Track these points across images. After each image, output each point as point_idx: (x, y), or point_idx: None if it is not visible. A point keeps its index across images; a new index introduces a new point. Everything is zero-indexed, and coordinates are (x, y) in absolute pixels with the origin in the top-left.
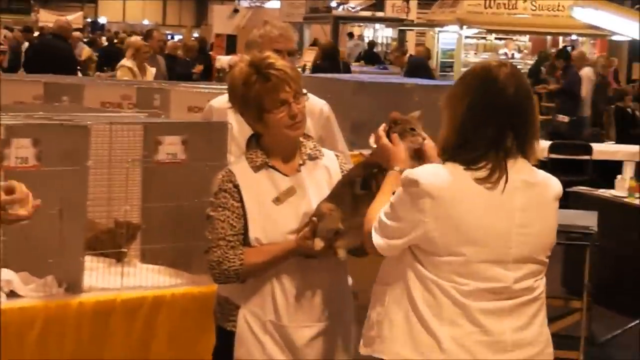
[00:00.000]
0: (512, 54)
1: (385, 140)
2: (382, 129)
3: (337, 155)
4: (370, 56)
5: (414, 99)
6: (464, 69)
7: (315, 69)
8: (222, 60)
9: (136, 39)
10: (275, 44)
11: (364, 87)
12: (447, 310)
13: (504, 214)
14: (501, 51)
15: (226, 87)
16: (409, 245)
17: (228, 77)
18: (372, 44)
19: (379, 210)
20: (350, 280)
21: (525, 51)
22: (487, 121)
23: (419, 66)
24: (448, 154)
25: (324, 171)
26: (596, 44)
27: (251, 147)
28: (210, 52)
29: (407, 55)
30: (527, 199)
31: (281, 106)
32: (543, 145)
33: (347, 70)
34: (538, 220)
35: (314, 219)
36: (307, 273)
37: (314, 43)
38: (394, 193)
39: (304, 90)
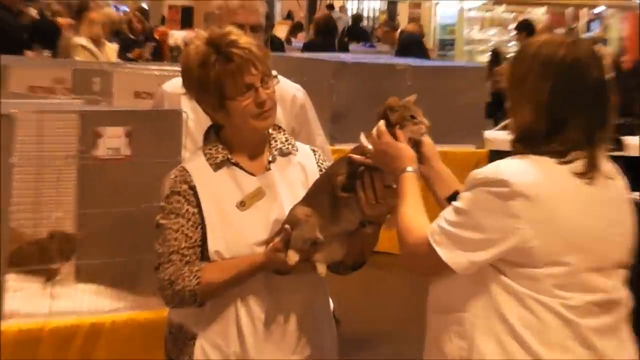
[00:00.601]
0: None
1: (388, 137)
2: (382, 123)
3: (314, 151)
4: (354, 32)
5: (406, 83)
6: (467, 48)
7: (308, 45)
8: (176, 36)
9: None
10: (236, 16)
11: (346, 68)
12: (555, 332)
13: (601, 212)
14: (511, 26)
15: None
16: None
17: (182, 57)
18: (357, 17)
19: (419, 217)
20: (331, 303)
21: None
22: (578, 106)
23: (412, 44)
24: (530, 145)
25: (299, 169)
26: (627, 17)
27: (210, 141)
28: (161, 27)
29: (399, 31)
30: (616, 195)
31: (246, 92)
32: None
33: (345, 48)
34: (626, 218)
35: (287, 226)
36: (279, 294)
37: (288, 16)
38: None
39: (274, 72)
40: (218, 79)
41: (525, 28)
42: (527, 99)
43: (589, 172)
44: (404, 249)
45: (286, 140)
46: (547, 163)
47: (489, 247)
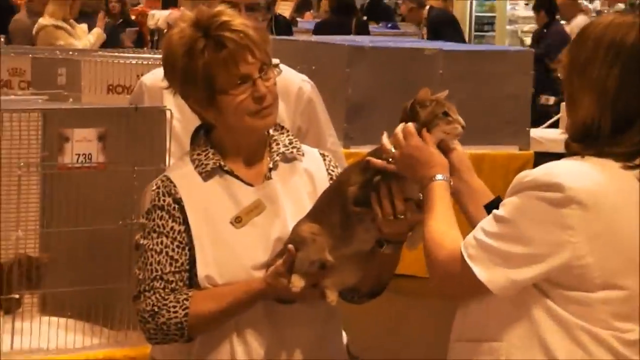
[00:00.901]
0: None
1: (417, 139)
2: (411, 125)
3: (323, 155)
4: (375, 10)
5: (436, 72)
6: (509, 28)
7: (320, 26)
8: (157, 16)
9: None
10: None
11: (363, 54)
12: None
13: None
14: None
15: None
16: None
17: (163, 42)
18: None
19: (451, 231)
20: (345, 338)
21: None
22: None
23: (443, 23)
24: (590, 145)
25: (305, 178)
26: None
27: (199, 145)
28: (139, 6)
29: (427, 8)
30: None
31: (241, 84)
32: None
33: (364, 30)
34: None
35: (290, 246)
36: (282, 327)
37: None
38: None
39: (275, 61)
40: (207, 70)
41: (543, 4)
42: (588, 90)
43: None
44: (433, 268)
45: (290, 143)
46: (609, 167)
47: (534, 264)
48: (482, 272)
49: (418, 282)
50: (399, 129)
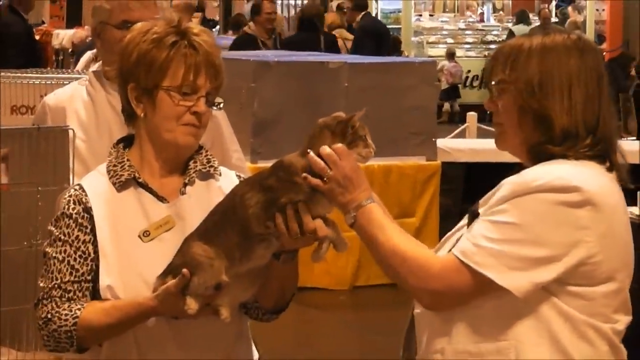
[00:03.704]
0: (481, 14)
1: (353, 161)
2: (343, 146)
3: (239, 177)
4: (234, 24)
5: (342, 85)
6: (414, 39)
7: (288, 42)
8: (62, 36)
9: None
10: (130, 12)
11: (269, 68)
12: None
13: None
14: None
15: (68, 76)
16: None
17: (128, 34)
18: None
19: (417, 246)
20: (255, 354)
21: (502, 12)
22: (611, 105)
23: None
24: (573, 138)
25: (219, 197)
26: (606, 2)
27: (116, 156)
28: (43, 26)
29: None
30: None
31: (188, 94)
32: None
33: (333, 46)
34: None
35: (185, 270)
36: (188, 347)
37: (199, 8)
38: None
39: (219, 100)
40: (168, 61)
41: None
42: (555, 104)
43: (622, 181)
44: (427, 283)
45: (208, 162)
46: (598, 169)
47: (553, 265)
48: (500, 278)
49: (328, 295)
50: (328, 149)
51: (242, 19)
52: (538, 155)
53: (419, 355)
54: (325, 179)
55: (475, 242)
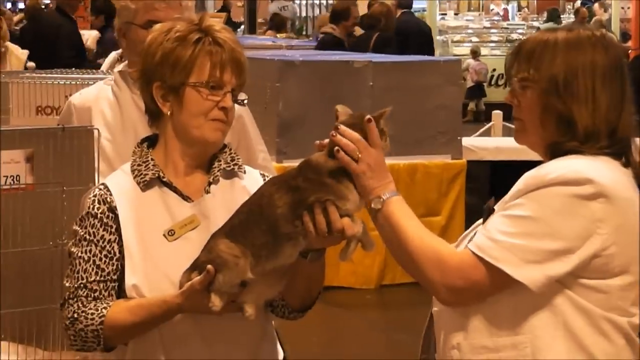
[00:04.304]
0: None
1: (381, 151)
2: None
3: (264, 176)
4: (277, 25)
5: (367, 84)
6: (440, 38)
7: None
8: (87, 36)
9: None
10: (155, 12)
11: (294, 68)
12: (625, 355)
13: None
14: (493, 8)
15: (94, 76)
16: None
17: (149, 36)
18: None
19: (437, 240)
20: (281, 353)
21: (526, 10)
22: (632, 104)
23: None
24: (595, 140)
25: (244, 195)
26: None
27: (140, 155)
28: None
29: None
30: None
31: (214, 89)
32: None
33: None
34: None
35: (210, 267)
36: (215, 344)
37: (224, 8)
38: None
39: (243, 96)
40: (194, 58)
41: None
42: (579, 104)
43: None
44: (445, 279)
45: (232, 160)
46: (614, 164)
47: (567, 257)
48: (516, 272)
49: (354, 294)
50: (358, 135)
51: (285, 20)
52: (555, 152)
53: (438, 354)
54: (356, 160)
55: (490, 236)
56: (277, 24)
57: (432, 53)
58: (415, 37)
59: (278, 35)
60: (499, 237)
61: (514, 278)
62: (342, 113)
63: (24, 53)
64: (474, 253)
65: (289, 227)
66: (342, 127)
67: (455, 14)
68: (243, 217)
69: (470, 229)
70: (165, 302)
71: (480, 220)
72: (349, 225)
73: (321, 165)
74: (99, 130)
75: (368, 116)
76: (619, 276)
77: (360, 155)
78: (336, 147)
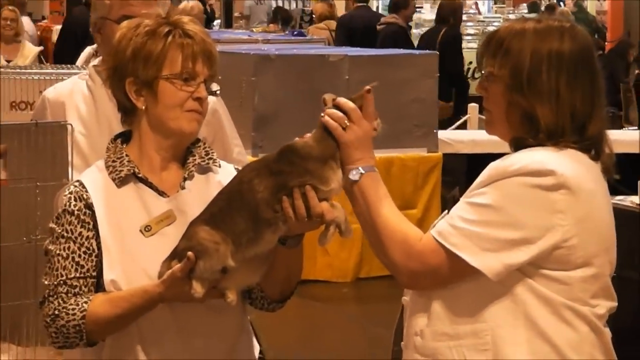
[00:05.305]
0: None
1: (372, 123)
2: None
3: (238, 170)
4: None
5: (343, 77)
6: (416, 31)
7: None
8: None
9: None
10: (130, 7)
11: (269, 62)
12: (589, 344)
13: (611, 214)
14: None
15: (68, 71)
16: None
17: (117, 32)
18: None
19: (406, 223)
20: (257, 346)
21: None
22: (595, 99)
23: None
24: (559, 137)
25: (218, 190)
26: None
27: (114, 151)
28: (43, 22)
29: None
30: None
31: (188, 80)
32: None
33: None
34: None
35: (190, 254)
36: (192, 337)
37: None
38: None
39: (216, 87)
40: (165, 51)
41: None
42: (542, 100)
43: (607, 169)
44: (408, 262)
45: (206, 154)
46: (580, 157)
47: (527, 247)
48: (474, 259)
49: (330, 287)
50: (353, 104)
51: (291, 14)
52: (518, 146)
53: (403, 340)
54: (345, 128)
55: (452, 223)
56: (284, 18)
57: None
58: (362, 31)
59: (254, 30)
60: (460, 224)
61: (472, 266)
62: (329, 100)
63: (34, 49)
64: (435, 239)
65: (269, 212)
66: (339, 99)
67: (432, 7)
68: (223, 204)
69: (438, 219)
70: (147, 291)
71: (446, 211)
72: (329, 209)
73: (303, 149)
74: (72, 126)
75: (368, 87)
76: (580, 268)
77: (349, 124)
78: (323, 114)
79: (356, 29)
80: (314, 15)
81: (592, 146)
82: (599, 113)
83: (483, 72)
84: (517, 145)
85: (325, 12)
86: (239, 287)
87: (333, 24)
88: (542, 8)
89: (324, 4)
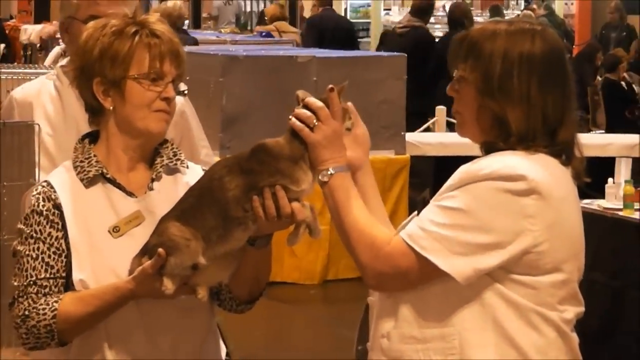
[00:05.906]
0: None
1: (341, 123)
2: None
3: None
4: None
5: (311, 79)
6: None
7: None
8: (30, 31)
9: None
10: (97, 6)
11: (237, 63)
12: (556, 348)
13: (581, 220)
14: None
15: (36, 71)
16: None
17: (84, 32)
18: None
19: (376, 225)
20: (223, 348)
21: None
22: (566, 102)
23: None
24: (530, 141)
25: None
26: None
27: (82, 152)
28: (11, 21)
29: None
30: None
31: (157, 80)
32: None
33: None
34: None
35: (161, 250)
36: (159, 336)
37: None
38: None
39: (183, 87)
40: (132, 50)
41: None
42: (514, 104)
43: (578, 174)
44: (375, 264)
45: (174, 155)
46: (551, 162)
47: (496, 252)
48: (443, 263)
49: (298, 289)
50: (320, 103)
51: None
52: (489, 150)
53: (370, 342)
54: (312, 128)
55: (421, 226)
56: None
57: (355, 48)
58: (333, 32)
59: (222, 31)
60: (430, 227)
61: (441, 269)
62: (302, 98)
63: None
64: (404, 241)
65: (239, 211)
66: (308, 99)
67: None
68: (193, 201)
69: (406, 220)
70: (118, 288)
71: (415, 212)
72: (299, 209)
73: (275, 148)
74: (39, 126)
75: (331, 86)
76: (550, 274)
77: (317, 124)
78: (291, 116)
79: (326, 30)
80: (265, 17)
81: (563, 151)
82: (570, 117)
83: (454, 74)
84: (488, 149)
85: (277, 13)
86: (209, 284)
87: (284, 25)
88: (510, 9)
89: (276, 5)
